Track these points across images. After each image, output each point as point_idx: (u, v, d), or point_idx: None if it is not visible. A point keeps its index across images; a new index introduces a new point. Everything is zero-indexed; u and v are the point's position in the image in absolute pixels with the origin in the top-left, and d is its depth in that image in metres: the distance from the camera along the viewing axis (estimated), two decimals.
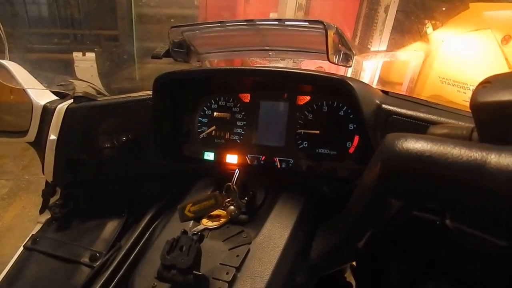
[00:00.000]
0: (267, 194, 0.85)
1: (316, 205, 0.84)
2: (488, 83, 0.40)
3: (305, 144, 0.89)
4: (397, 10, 2.97)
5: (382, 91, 0.88)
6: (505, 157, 0.34)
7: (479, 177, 0.35)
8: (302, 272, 0.70)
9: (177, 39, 0.94)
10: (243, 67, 0.91)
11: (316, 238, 0.75)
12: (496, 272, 0.58)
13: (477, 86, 0.41)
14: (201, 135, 0.98)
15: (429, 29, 3.27)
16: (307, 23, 0.83)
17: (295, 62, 1.23)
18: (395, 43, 3.12)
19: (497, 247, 0.45)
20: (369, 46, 3.08)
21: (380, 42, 3.03)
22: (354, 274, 0.97)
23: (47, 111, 1.01)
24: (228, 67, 0.92)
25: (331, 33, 0.77)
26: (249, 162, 0.94)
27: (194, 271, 0.61)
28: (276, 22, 0.87)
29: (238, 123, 0.95)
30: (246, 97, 0.94)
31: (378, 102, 0.77)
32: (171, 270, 0.61)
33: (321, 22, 0.77)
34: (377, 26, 3.00)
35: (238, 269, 0.66)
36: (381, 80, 3.20)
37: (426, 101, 0.83)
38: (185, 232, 0.67)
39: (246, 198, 0.82)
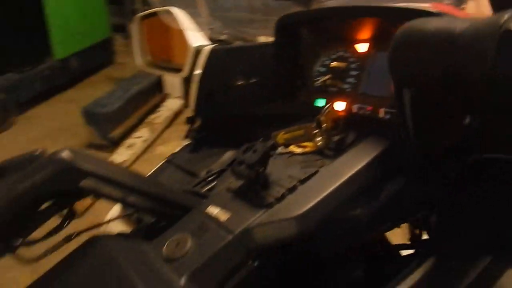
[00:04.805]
0: (358, 138, 0.85)
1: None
2: None
3: None
4: None
5: None
6: None
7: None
8: (361, 210, 0.70)
9: None
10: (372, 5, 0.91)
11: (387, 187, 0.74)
12: None
13: None
14: (316, 83, 1.03)
15: None
16: None
17: None
18: None
19: None
20: None
21: None
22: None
23: (198, 51, 1.21)
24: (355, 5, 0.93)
25: None
26: (354, 111, 0.94)
27: (257, 168, 0.68)
28: None
29: (351, 72, 0.96)
30: (363, 48, 0.95)
31: None
32: (241, 165, 0.70)
33: None
34: None
35: (302, 181, 0.71)
36: None
37: None
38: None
39: (337, 137, 0.84)
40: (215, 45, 1.20)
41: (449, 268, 0.68)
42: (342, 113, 0.93)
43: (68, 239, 0.74)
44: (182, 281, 0.61)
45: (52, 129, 4.40)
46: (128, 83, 4.56)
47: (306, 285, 0.75)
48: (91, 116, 3.91)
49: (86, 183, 0.69)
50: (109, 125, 3.98)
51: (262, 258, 0.66)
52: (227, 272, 0.64)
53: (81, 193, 0.72)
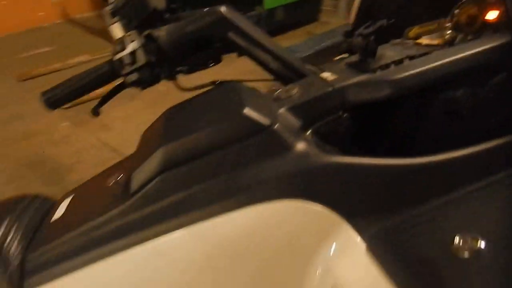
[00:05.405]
0: None
1: None
2: None
3: None
4: None
5: None
6: None
7: None
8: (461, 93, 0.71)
9: None
10: None
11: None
12: None
13: None
14: None
15: None
16: None
17: None
18: None
19: None
20: None
21: None
22: None
23: None
24: None
25: None
26: (503, 20, 0.88)
27: (370, 38, 0.75)
28: None
29: None
30: None
31: None
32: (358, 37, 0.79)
33: None
34: None
35: (411, 57, 0.75)
36: None
37: None
38: None
39: (469, 36, 0.82)
40: None
41: None
42: (493, 20, 0.88)
43: (213, 83, 0.95)
44: (280, 110, 0.74)
45: (243, 71, 4.97)
46: (321, 37, 4.77)
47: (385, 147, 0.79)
48: None
49: (234, 37, 0.87)
50: None
51: (353, 113, 0.75)
52: (318, 114, 0.75)
53: (230, 47, 0.90)
